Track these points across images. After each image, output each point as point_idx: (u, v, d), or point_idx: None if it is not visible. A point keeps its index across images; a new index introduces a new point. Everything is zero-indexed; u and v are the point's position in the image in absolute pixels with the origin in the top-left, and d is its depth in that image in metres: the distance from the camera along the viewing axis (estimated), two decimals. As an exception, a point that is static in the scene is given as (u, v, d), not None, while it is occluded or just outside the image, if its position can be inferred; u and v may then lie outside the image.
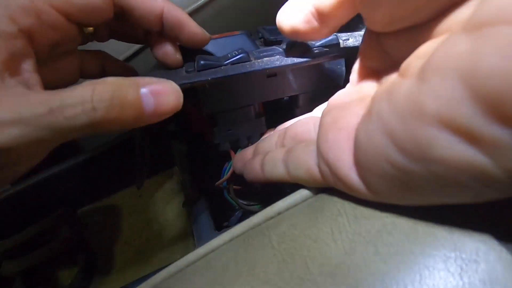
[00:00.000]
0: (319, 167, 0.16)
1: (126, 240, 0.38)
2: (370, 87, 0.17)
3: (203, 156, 0.32)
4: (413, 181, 0.10)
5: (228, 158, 0.27)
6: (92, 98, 0.15)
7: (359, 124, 0.13)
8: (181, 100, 0.18)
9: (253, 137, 0.26)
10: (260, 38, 0.26)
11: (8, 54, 0.16)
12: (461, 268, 0.10)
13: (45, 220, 0.37)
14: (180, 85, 0.18)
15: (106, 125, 0.16)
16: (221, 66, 0.21)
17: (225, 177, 0.26)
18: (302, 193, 0.18)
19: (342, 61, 0.25)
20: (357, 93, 0.17)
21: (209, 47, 0.23)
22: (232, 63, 0.21)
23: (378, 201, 0.13)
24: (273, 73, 0.23)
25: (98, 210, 0.42)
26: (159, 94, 0.17)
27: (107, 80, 0.16)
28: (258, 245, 0.17)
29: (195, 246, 0.28)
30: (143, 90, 0.17)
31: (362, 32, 0.22)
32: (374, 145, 0.11)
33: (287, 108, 0.27)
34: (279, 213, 0.18)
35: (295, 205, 0.18)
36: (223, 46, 0.23)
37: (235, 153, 0.27)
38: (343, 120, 0.14)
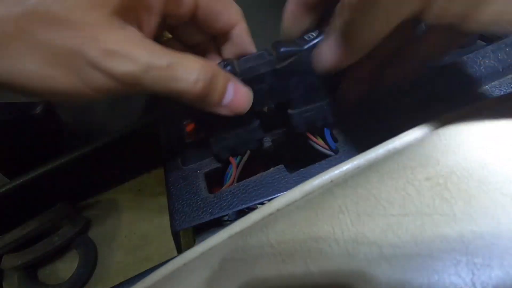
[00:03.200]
0: None
1: (126, 234, 0.37)
2: None
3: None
4: None
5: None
6: (200, 71, 0.17)
7: None
8: (248, 108, 0.20)
9: (251, 143, 0.25)
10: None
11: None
12: (473, 273, 0.10)
13: (45, 213, 0.37)
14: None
15: (194, 98, 0.18)
16: (301, 51, 0.20)
17: (228, 183, 0.26)
18: (302, 188, 0.17)
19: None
20: None
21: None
22: (312, 47, 0.20)
23: None
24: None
25: (98, 204, 0.41)
26: (238, 94, 0.20)
27: (209, 62, 0.18)
28: (256, 244, 0.16)
29: (194, 241, 0.27)
30: (230, 84, 0.19)
31: None
32: None
33: (282, 111, 0.25)
34: (278, 210, 0.17)
35: (294, 201, 0.17)
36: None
37: (235, 160, 0.26)
38: None
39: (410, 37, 0.21)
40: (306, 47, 0.21)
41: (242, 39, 0.23)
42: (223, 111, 0.20)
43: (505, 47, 0.27)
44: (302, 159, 0.33)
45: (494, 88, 0.27)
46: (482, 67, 0.27)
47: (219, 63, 0.21)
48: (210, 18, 0.21)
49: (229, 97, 0.19)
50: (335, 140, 0.26)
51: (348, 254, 0.12)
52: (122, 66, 0.16)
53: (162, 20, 0.20)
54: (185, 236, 0.34)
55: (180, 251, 0.28)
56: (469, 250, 0.10)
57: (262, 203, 0.24)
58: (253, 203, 0.24)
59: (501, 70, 0.27)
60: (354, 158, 0.17)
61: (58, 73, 0.16)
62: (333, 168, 0.17)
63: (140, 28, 0.18)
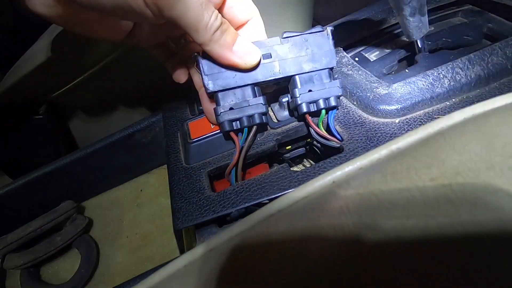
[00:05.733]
0: None
1: (127, 235, 0.37)
2: None
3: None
4: None
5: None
6: (218, 14, 0.22)
7: None
8: (257, 61, 0.24)
9: (254, 116, 0.26)
10: None
11: None
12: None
13: (47, 214, 0.37)
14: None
15: (213, 30, 0.21)
16: (301, 34, 0.25)
17: (233, 162, 0.26)
18: (304, 189, 0.17)
19: (332, 48, 0.25)
20: None
21: None
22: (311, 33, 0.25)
23: None
24: (268, 55, 0.25)
25: (99, 204, 0.41)
26: (248, 45, 0.24)
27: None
28: (257, 245, 0.16)
29: (196, 242, 0.27)
30: (240, 37, 0.23)
31: None
32: None
33: (287, 88, 0.27)
34: (279, 211, 0.17)
35: (295, 202, 0.17)
36: None
37: (240, 141, 0.26)
38: None
39: None
40: (306, 32, 0.25)
41: (257, 28, 0.27)
42: (235, 59, 0.23)
43: (514, 43, 0.26)
44: (306, 158, 0.33)
45: (503, 86, 0.25)
46: (489, 65, 0.26)
47: None
48: (233, 11, 0.25)
49: (240, 43, 0.23)
50: (341, 138, 0.26)
51: (349, 256, 0.12)
52: None
53: None
54: (187, 235, 0.34)
55: (182, 249, 0.28)
56: (475, 253, 0.10)
57: (266, 202, 0.23)
58: (256, 202, 0.23)
59: (509, 67, 0.26)
60: (356, 159, 0.16)
61: None
62: (335, 169, 0.16)
63: None
